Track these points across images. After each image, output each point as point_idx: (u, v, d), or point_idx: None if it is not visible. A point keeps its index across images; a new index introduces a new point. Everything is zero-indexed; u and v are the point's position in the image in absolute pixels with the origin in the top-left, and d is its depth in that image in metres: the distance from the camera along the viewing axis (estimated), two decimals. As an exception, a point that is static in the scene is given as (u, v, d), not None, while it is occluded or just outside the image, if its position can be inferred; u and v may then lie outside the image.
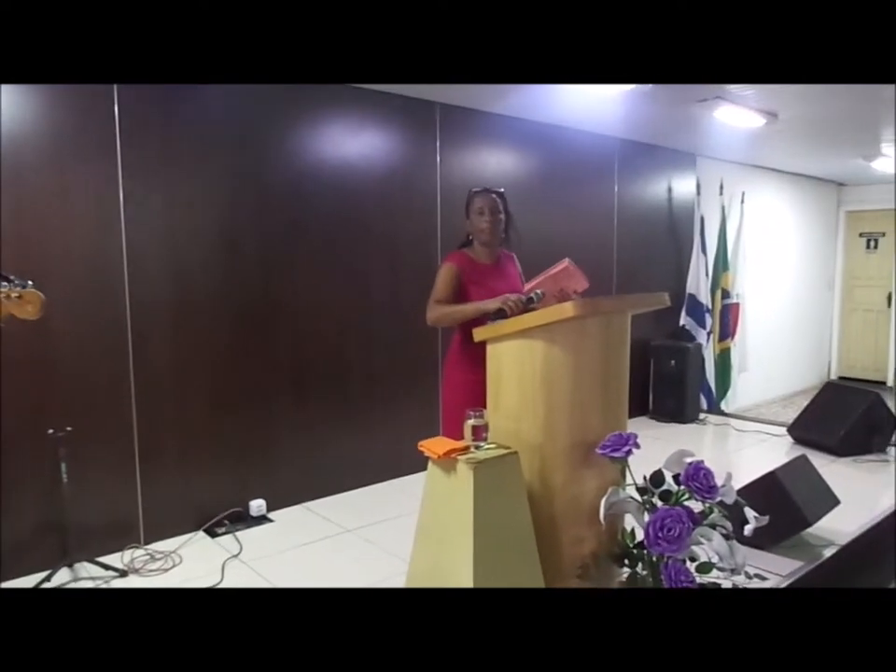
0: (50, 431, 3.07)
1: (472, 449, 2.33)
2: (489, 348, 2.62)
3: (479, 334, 2.63)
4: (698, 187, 6.61)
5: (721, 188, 6.70)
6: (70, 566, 3.12)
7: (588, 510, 2.42)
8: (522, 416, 2.51)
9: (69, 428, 3.10)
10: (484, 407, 2.54)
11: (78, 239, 3.22)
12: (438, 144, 4.59)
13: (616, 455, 2.32)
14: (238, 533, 3.58)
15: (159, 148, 3.44)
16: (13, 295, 1.32)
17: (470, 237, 2.92)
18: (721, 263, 6.68)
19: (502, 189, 2.94)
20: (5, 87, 2.98)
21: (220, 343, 3.71)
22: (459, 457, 2.27)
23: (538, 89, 4.05)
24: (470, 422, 2.37)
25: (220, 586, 3.01)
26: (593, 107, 4.62)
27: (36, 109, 3.08)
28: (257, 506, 3.81)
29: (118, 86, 3.26)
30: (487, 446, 2.37)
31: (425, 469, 2.41)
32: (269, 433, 3.92)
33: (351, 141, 4.19)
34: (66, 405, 3.19)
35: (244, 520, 3.74)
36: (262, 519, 3.80)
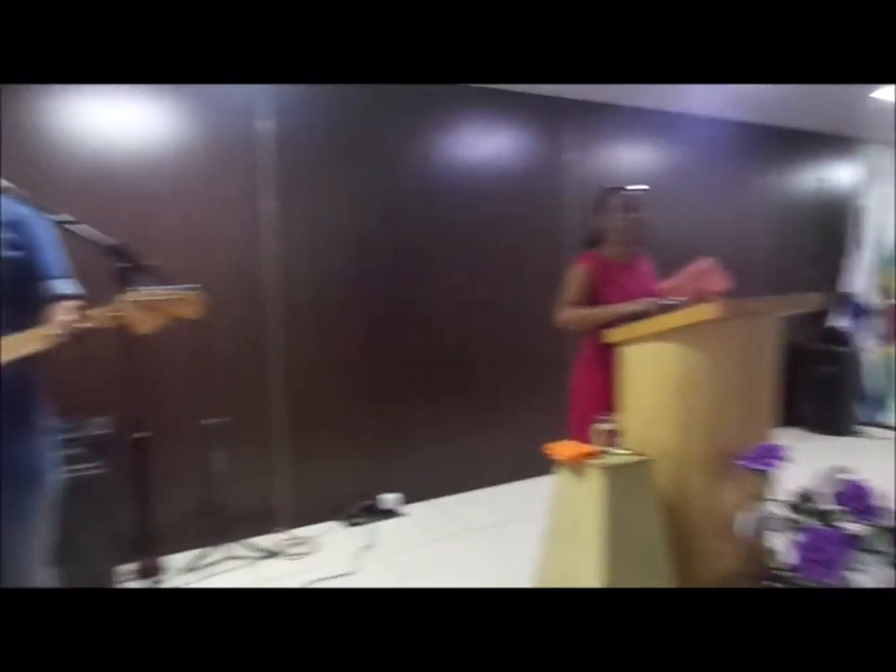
0: (208, 421, 3.34)
1: (603, 454, 2.29)
2: (622, 350, 2.56)
3: (612, 336, 2.57)
4: (859, 175, 6.05)
5: None
6: (225, 544, 3.39)
7: (725, 523, 2.30)
8: (655, 422, 2.43)
9: (224, 419, 3.37)
10: (615, 411, 2.48)
11: (233, 245, 3.50)
12: (565, 141, 4.53)
13: (759, 467, 2.19)
14: (373, 525, 3.73)
15: (303, 159, 3.66)
16: (177, 297, 1.46)
17: (600, 236, 2.84)
18: (889, 260, 6.05)
19: (643, 187, 2.83)
20: (165, 106, 3.29)
21: (357, 341, 3.89)
22: (590, 462, 2.23)
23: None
24: (601, 426, 2.33)
25: (355, 576, 3.14)
26: (730, 93, 4.35)
27: (193, 127, 3.38)
28: (391, 500, 3.95)
29: (266, 99, 3.50)
30: (619, 451, 2.32)
31: (553, 472, 2.39)
32: (402, 430, 4.06)
33: (480, 142, 4.24)
34: (222, 397, 3.47)
35: (378, 512, 3.88)
36: (395, 513, 3.93)
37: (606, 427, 2.32)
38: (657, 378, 2.43)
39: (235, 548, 3.41)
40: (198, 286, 1.50)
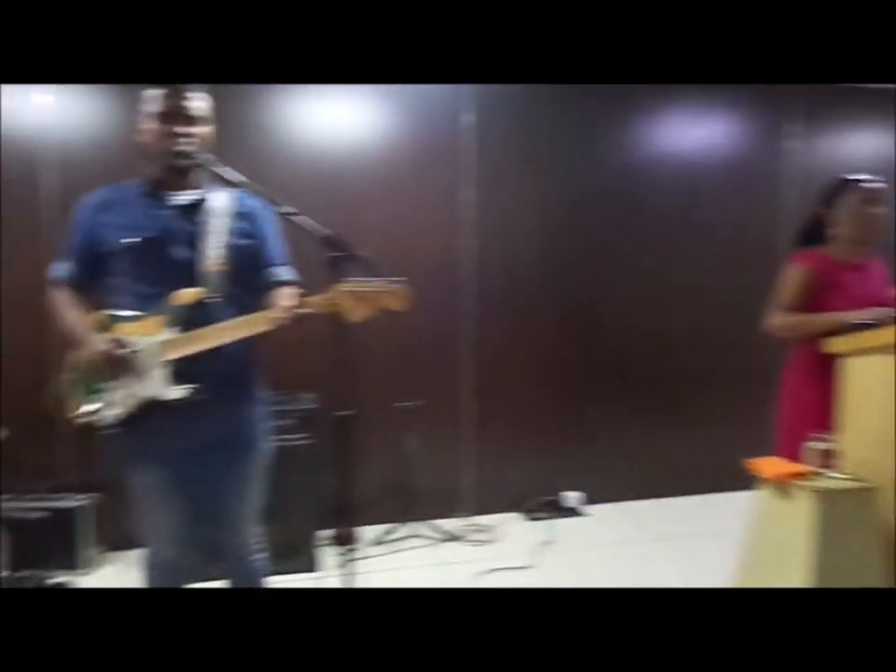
0: (402, 403, 3.52)
1: (817, 476, 2.06)
2: (845, 362, 2.28)
3: (835, 345, 2.30)
4: None
5: None
6: (411, 522, 3.56)
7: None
8: (884, 446, 2.14)
9: (417, 403, 3.53)
10: (832, 429, 2.22)
11: (432, 234, 3.64)
12: (785, 128, 4.12)
13: None
14: (554, 521, 3.70)
15: (504, 152, 3.70)
16: (386, 290, 1.53)
17: (825, 232, 2.53)
18: None
19: (885, 180, 2.49)
20: (374, 104, 3.48)
21: (547, 333, 3.87)
22: (801, 483, 2.02)
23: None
24: (816, 445, 2.10)
25: (534, 569, 3.14)
26: None
27: (399, 123, 3.55)
28: (574, 497, 3.89)
29: (468, 95, 3.58)
30: (835, 475, 2.07)
31: (752, 487, 2.20)
32: (589, 426, 3.98)
33: (690, 132, 3.99)
34: (417, 382, 3.63)
35: (560, 509, 3.85)
36: (577, 511, 3.86)
37: (821, 446, 2.09)
38: (888, 396, 2.13)
39: (420, 527, 3.56)
40: (403, 279, 1.57)
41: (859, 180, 2.47)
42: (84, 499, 3.13)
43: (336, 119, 3.49)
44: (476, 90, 3.61)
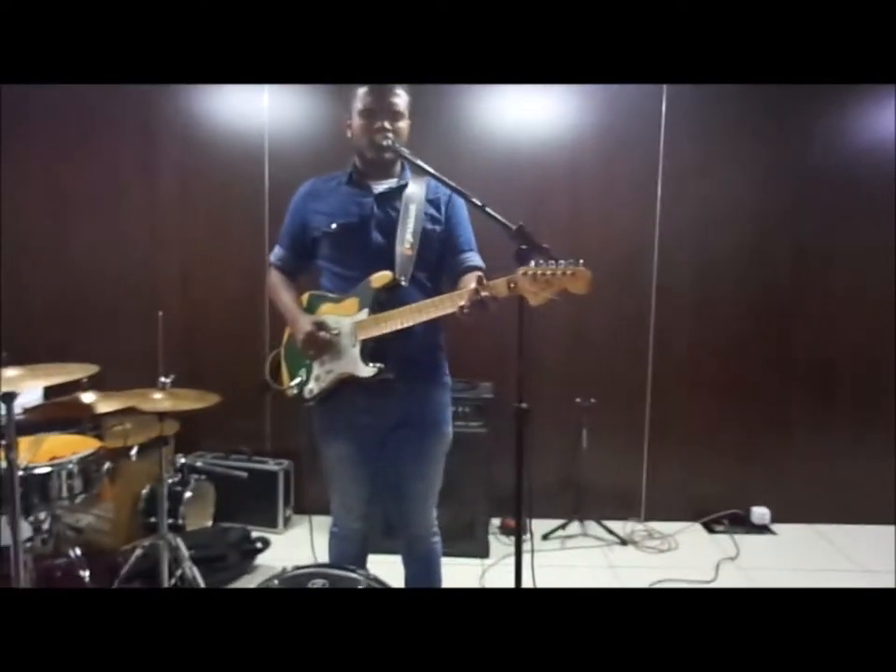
0: (578, 400, 3.47)
1: None
2: None
3: None
4: None
5: None
6: (581, 521, 3.51)
7: None
8: None
9: (593, 400, 3.46)
10: None
11: (618, 227, 3.55)
12: None
13: None
14: (737, 536, 3.46)
15: (696, 139, 3.50)
16: (568, 272, 1.52)
17: None
18: None
19: None
20: (563, 99, 3.45)
21: (736, 335, 3.61)
22: None
23: None
24: None
25: (713, 585, 2.96)
26: None
27: (596, 107, 3.49)
28: (759, 514, 3.61)
29: (665, 87, 3.43)
30: None
31: None
32: (780, 437, 3.66)
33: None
34: (593, 379, 3.56)
35: (743, 524, 3.59)
36: (764, 528, 3.58)
37: None
38: None
39: (592, 526, 3.49)
40: (582, 261, 1.55)
41: None
42: (282, 464, 3.45)
43: (524, 114, 3.51)
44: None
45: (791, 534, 3.55)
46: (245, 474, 3.25)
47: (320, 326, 1.88)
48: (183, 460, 3.20)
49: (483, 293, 1.62)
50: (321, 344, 1.88)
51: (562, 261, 1.55)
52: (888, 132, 3.50)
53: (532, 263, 1.57)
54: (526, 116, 3.52)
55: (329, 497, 2.10)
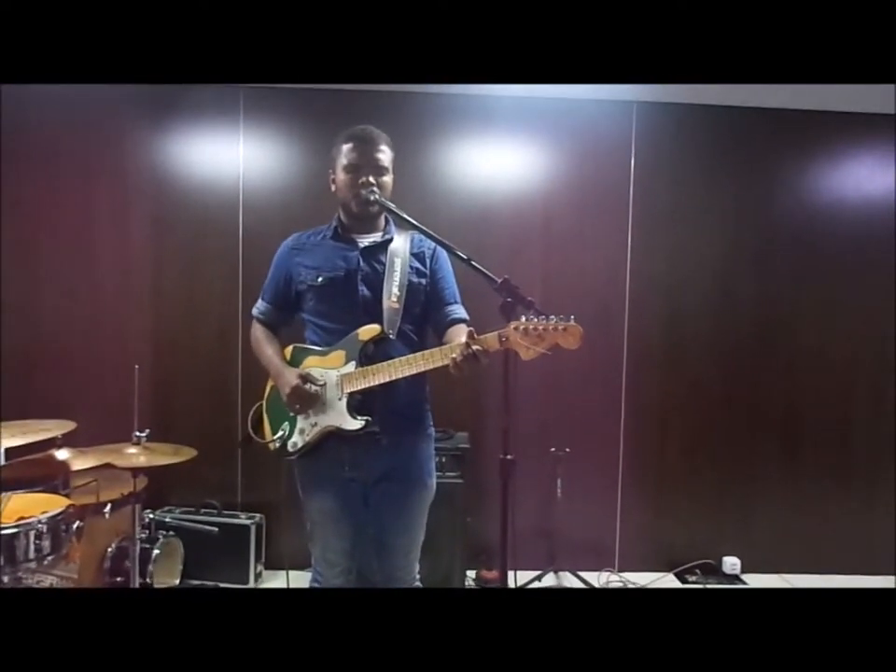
0: (553, 450, 3.49)
1: None
2: None
3: None
4: None
5: None
6: (556, 572, 3.49)
7: None
8: None
9: (567, 449, 3.49)
10: None
11: (590, 278, 3.64)
12: None
13: None
14: (709, 586, 3.48)
15: (665, 194, 3.64)
16: (560, 327, 1.56)
17: None
18: None
19: None
20: (535, 146, 3.56)
21: (706, 387, 3.69)
22: None
23: None
24: None
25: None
26: None
27: (562, 165, 3.61)
28: (730, 563, 3.64)
29: (634, 141, 3.59)
30: None
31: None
32: (750, 487, 3.72)
33: (877, 175, 3.71)
34: (566, 428, 3.59)
35: (715, 573, 3.61)
36: (735, 578, 3.61)
37: None
38: None
39: (568, 577, 3.48)
40: (573, 316, 1.59)
41: None
42: (253, 518, 3.37)
43: (498, 168, 3.61)
44: (639, 133, 3.60)
45: (761, 582, 3.59)
46: (215, 529, 3.16)
47: (306, 378, 1.88)
48: (151, 516, 3.11)
49: (475, 347, 1.65)
50: (307, 397, 1.87)
51: (553, 316, 1.59)
52: (846, 191, 3.70)
53: (523, 318, 1.61)
54: (500, 169, 3.61)
55: (304, 552, 2.06)
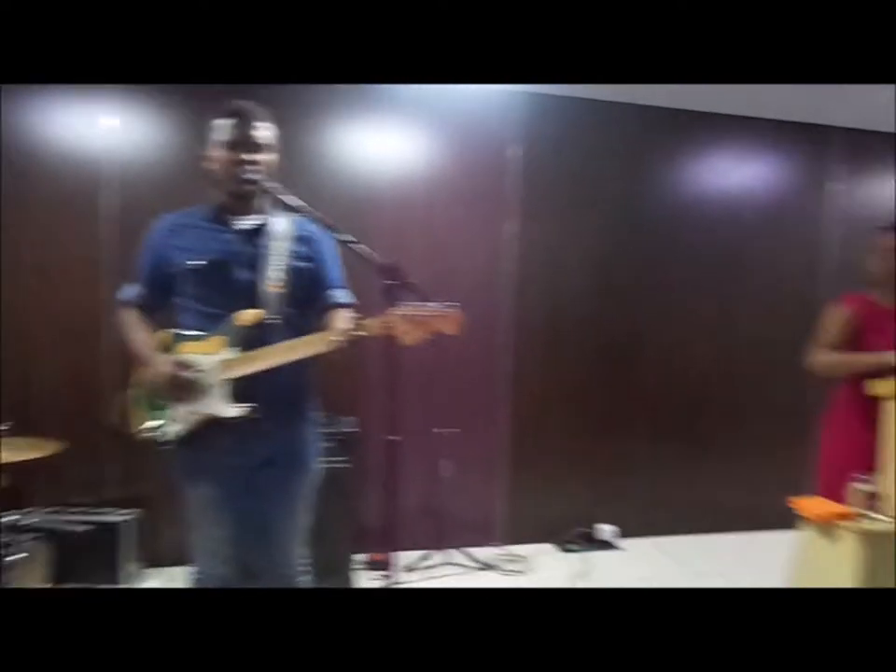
0: (437, 430, 3.55)
1: (860, 518, 2.05)
2: (886, 405, 2.27)
3: (875, 388, 2.30)
4: None
5: None
6: (443, 550, 3.56)
7: None
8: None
9: (453, 430, 3.56)
10: (876, 471, 2.21)
11: (473, 261, 3.72)
12: (830, 171, 4.14)
13: None
14: (587, 553, 3.68)
15: (547, 183, 3.77)
16: (440, 314, 1.59)
17: (871, 278, 2.58)
18: None
19: None
20: (419, 135, 3.58)
21: (585, 369, 3.89)
22: (845, 525, 2.01)
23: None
24: (858, 486, 2.09)
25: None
26: None
27: (447, 153, 3.64)
28: (608, 531, 3.87)
29: (517, 131, 3.67)
30: (879, 517, 2.06)
31: (789, 526, 2.19)
32: (623, 460, 3.97)
33: (734, 171, 4.03)
34: (453, 409, 3.66)
35: (593, 542, 3.83)
36: (611, 545, 3.84)
37: (865, 487, 2.08)
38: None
39: (455, 555, 3.56)
40: (457, 304, 1.63)
41: (887, 228, 2.52)
42: (127, 515, 3.20)
43: (383, 150, 3.60)
44: (524, 124, 3.69)
45: (635, 548, 3.84)
46: (82, 528, 2.98)
47: (181, 365, 1.81)
48: (8, 518, 2.89)
49: (358, 332, 1.65)
50: (183, 385, 1.80)
51: (434, 303, 1.61)
52: (708, 185, 3.98)
53: (406, 304, 1.62)
54: (387, 155, 3.60)
55: (187, 546, 2.00)
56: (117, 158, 3.31)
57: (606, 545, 3.82)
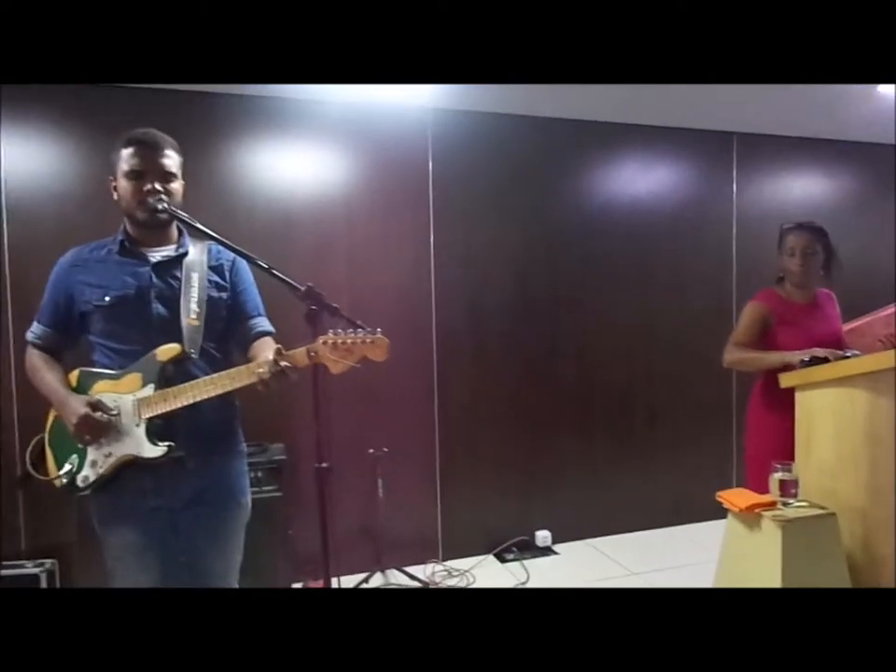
0: (371, 451, 3.52)
1: (780, 505, 2.15)
2: (798, 395, 2.41)
3: (786, 380, 2.43)
4: None
5: None
6: (383, 570, 3.52)
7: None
8: (839, 474, 2.25)
9: (385, 449, 3.53)
10: (793, 459, 2.33)
11: (396, 280, 3.70)
12: (734, 175, 4.36)
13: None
14: (525, 561, 3.72)
15: (462, 197, 3.80)
16: (367, 340, 1.57)
17: (782, 276, 2.73)
18: None
19: (820, 225, 2.69)
20: (334, 151, 3.56)
21: (510, 376, 3.93)
22: (765, 513, 2.11)
23: (852, 102, 3.66)
24: (777, 475, 2.20)
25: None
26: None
27: (363, 170, 3.63)
28: (542, 537, 3.92)
29: (431, 146, 3.69)
30: (798, 504, 2.17)
31: (716, 517, 2.28)
32: (553, 466, 4.03)
33: (641, 178, 4.18)
34: (383, 428, 3.64)
35: (530, 549, 3.87)
36: (548, 550, 3.89)
37: (783, 476, 2.19)
38: (840, 426, 2.26)
39: (394, 575, 3.53)
40: (379, 329, 1.62)
41: (794, 227, 2.67)
42: (43, 565, 3.01)
43: (299, 170, 3.54)
44: (436, 138, 3.71)
45: (570, 551, 3.91)
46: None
47: (96, 406, 1.72)
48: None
49: (283, 363, 1.61)
50: (98, 427, 1.71)
51: (360, 330, 1.60)
52: (615, 193, 4.11)
53: (331, 332, 1.60)
54: (301, 174, 3.54)
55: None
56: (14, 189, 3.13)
57: (543, 551, 3.87)
